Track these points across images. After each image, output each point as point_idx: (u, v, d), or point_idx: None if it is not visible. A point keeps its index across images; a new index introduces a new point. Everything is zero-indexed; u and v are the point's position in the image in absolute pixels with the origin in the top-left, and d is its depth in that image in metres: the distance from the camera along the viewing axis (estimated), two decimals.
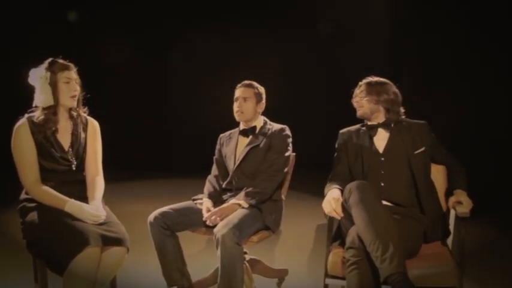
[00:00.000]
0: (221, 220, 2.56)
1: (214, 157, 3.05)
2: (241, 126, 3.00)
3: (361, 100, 2.69)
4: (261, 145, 2.84)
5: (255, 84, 2.98)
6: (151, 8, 7.16)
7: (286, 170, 2.83)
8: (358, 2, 6.72)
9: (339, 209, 2.39)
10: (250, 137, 2.92)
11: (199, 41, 7.19)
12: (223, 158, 3.00)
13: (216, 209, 2.66)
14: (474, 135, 5.30)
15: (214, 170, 3.02)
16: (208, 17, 7.20)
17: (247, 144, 2.89)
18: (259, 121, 2.97)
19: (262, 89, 2.99)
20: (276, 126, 2.94)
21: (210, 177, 2.99)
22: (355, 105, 2.74)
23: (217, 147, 3.06)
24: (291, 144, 2.87)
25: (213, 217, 2.59)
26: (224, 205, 2.69)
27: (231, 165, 2.90)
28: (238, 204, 2.65)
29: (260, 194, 2.69)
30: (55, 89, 2.41)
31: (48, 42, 6.29)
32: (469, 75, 5.39)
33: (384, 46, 6.73)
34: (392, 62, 6.37)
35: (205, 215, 2.66)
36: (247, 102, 2.90)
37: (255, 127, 2.94)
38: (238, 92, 2.95)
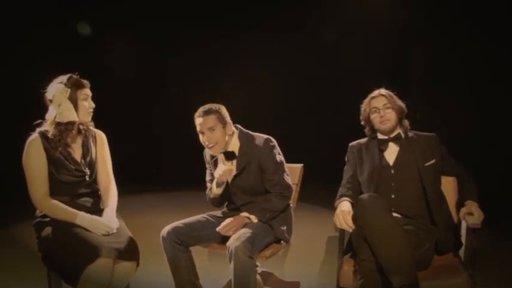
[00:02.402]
0: (233, 232, 2.57)
1: (207, 173, 2.94)
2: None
3: (388, 114, 2.63)
4: (250, 168, 2.72)
5: (213, 107, 2.71)
6: (151, 9, 7.20)
7: (290, 182, 2.77)
8: (362, 5, 6.72)
9: (350, 222, 2.39)
10: (234, 163, 2.76)
11: (200, 42, 7.22)
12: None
13: (227, 220, 2.65)
14: (480, 140, 5.28)
15: (211, 182, 2.90)
16: (209, 18, 7.22)
17: (236, 174, 2.76)
18: (235, 143, 2.77)
19: (222, 109, 2.72)
20: (257, 140, 2.75)
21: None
22: (377, 120, 2.66)
23: (206, 164, 2.94)
24: (279, 152, 2.77)
25: (225, 229, 2.60)
26: (235, 217, 2.69)
27: (226, 192, 2.82)
28: (248, 218, 2.66)
29: (271, 212, 2.68)
30: (76, 106, 2.46)
31: (47, 44, 6.36)
32: (474, 78, 5.37)
33: (388, 51, 6.72)
34: (393, 67, 6.36)
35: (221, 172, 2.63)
36: (215, 132, 2.67)
37: (233, 152, 2.76)
38: (201, 123, 2.68)
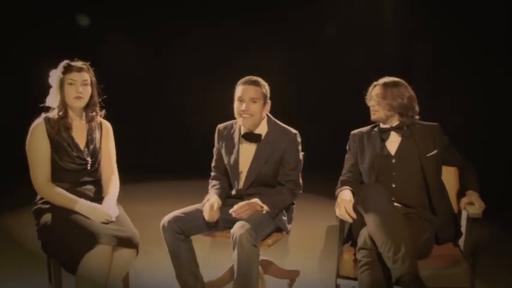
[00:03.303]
0: (246, 215, 2.52)
1: (214, 153, 2.87)
2: (243, 129, 2.73)
3: (376, 105, 2.63)
4: (271, 158, 2.67)
5: (262, 81, 2.68)
6: (151, 7, 7.14)
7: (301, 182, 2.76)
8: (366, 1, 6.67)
9: (351, 211, 2.39)
10: (256, 147, 2.69)
11: (200, 40, 7.17)
12: (223, 155, 2.81)
13: (242, 203, 2.58)
14: (484, 133, 5.28)
15: (216, 169, 2.86)
16: (209, 15, 7.16)
17: (255, 159, 2.69)
18: (263, 126, 2.71)
19: (267, 87, 2.70)
20: (285, 132, 2.70)
21: (214, 175, 2.87)
22: (370, 108, 2.68)
23: (216, 140, 2.84)
24: (300, 149, 2.75)
25: (238, 211, 2.54)
26: (249, 201, 2.60)
27: (235, 176, 2.76)
28: (261, 206, 2.59)
29: (281, 207, 2.66)
30: (61, 89, 2.46)
31: (48, 42, 6.33)
32: (474, 71, 5.36)
33: (392, 46, 6.69)
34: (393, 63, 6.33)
35: (206, 214, 2.57)
36: (256, 105, 2.62)
37: (259, 136, 2.69)
38: (245, 91, 2.62)
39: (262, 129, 2.71)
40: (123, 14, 7.02)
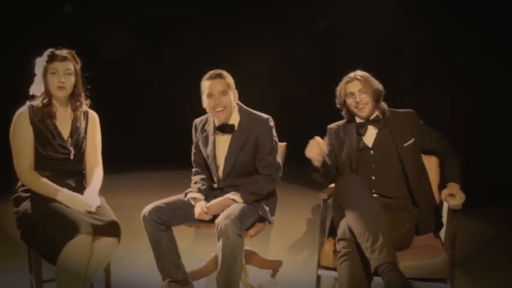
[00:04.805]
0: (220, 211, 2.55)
1: (193, 148, 2.89)
2: (216, 122, 2.75)
3: (364, 98, 2.59)
4: (246, 146, 2.68)
5: (225, 72, 2.71)
6: (151, 7, 7.16)
7: (281, 164, 2.76)
8: None
9: (323, 145, 2.43)
10: (231, 137, 2.71)
11: (200, 40, 7.19)
12: (200, 149, 2.84)
13: (209, 204, 2.62)
14: (484, 133, 5.25)
15: (196, 163, 2.89)
16: (209, 15, 7.18)
17: (230, 148, 2.71)
18: (236, 116, 2.73)
19: (230, 76, 2.73)
20: (257, 118, 2.72)
21: (195, 170, 2.89)
22: (353, 105, 2.62)
23: (193, 134, 2.87)
24: (275, 133, 2.75)
25: (213, 209, 2.59)
26: (217, 200, 2.64)
27: (214, 168, 2.77)
28: (232, 200, 2.62)
29: (257, 194, 2.65)
30: (45, 78, 2.46)
31: (48, 36, 6.37)
32: (465, 61, 5.33)
33: (392, 46, 6.66)
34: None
35: (198, 212, 2.62)
36: (226, 97, 2.64)
37: (233, 126, 2.71)
38: (213, 86, 2.64)
39: (234, 119, 2.73)
40: (123, 14, 7.05)
